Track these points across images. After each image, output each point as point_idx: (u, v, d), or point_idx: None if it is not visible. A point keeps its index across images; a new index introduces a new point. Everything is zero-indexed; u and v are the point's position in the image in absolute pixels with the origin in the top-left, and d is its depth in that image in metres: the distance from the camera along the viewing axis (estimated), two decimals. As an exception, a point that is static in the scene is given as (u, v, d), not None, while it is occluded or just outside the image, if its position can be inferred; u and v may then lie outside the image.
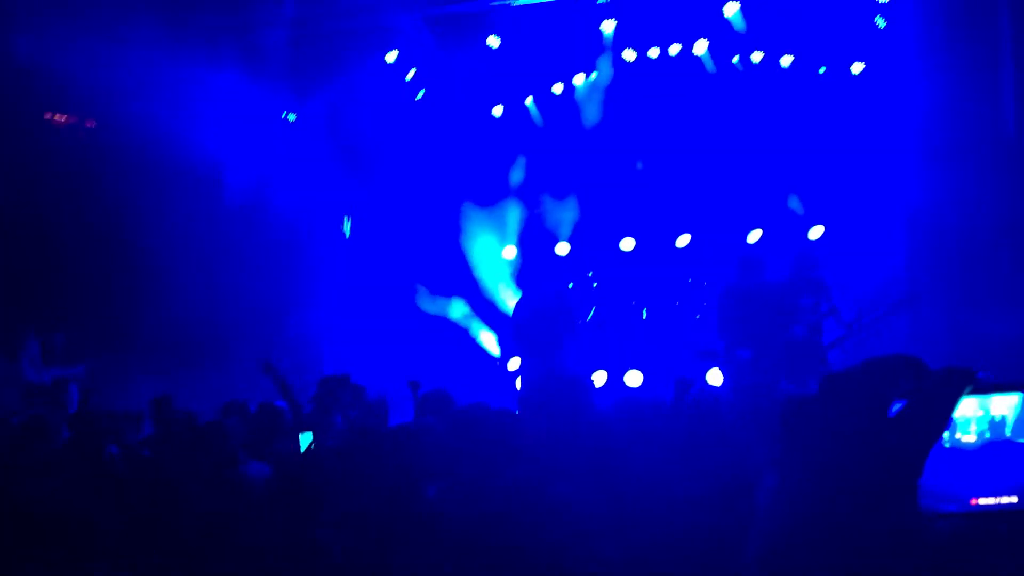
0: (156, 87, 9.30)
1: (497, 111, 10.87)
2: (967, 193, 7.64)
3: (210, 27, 10.10)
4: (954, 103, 7.95)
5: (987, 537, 3.04)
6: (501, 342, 10.15)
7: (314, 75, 10.62)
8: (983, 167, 7.72)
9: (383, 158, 10.88)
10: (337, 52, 10.48)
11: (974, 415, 3.10)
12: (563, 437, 3.42)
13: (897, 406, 2.65)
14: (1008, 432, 3.09)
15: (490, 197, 10.63)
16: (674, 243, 10.04)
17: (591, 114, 10.48)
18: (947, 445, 3.07)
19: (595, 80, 10.45)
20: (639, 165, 10.42)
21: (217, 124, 9.99)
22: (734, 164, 9.73)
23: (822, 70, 9.64)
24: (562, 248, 10.44)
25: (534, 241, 10.54)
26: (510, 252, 10.61)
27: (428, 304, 10.63)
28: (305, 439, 4.91)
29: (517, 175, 10.77)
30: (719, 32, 9.83)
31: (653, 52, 10.22)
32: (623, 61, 10.28)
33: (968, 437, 3.10)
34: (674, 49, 10.10)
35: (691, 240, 10.01)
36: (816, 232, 9.29)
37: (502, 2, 9.84)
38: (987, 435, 3.10)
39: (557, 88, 10.72)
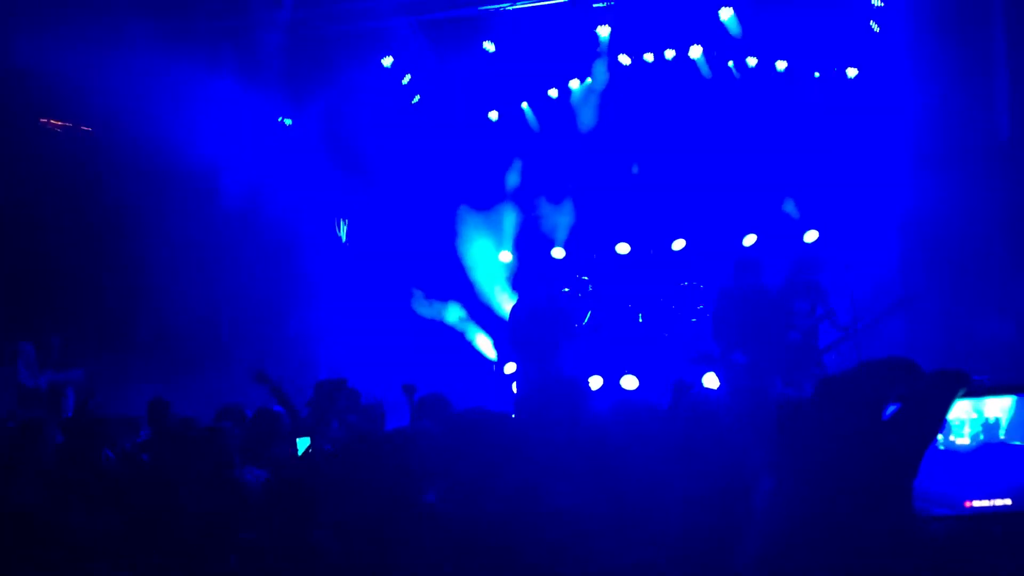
0: (153, 91, 9.31)
1: (493, 115, 10.89)
2: (961, 197, 7.67)
3: (206, 31, 10.11)
4: (947, 107, 7.99)
5: (982, 539, 3.06)
6: (497, 346, 10.16)
7: (310, 79, 10.63)
8: (976, 171, 7.76)
9: (379, 162, 10.90)
10: (333, 57, 10.50)
11: (968, 417, 3.12)
12: (560, 440, 3.43)
13: (892, 408, 2.67)
14: (1002, 434, 3.11)
15: (486, 201, 10.66)
16: (670, 247, 10.07)
17: (587, 118, 10.52)
18: (941, 447, 3.09)
19: (591, 84, 10.49)
20: (635, 169, 10.45)
21: (213, 128, 9.99)
22: (729, 168, 9.76)
23: (816, 74, 9.68)
24: (558, 252, 10.46)
25: (530, 245, 10.56)
26: (506, 256, 10.62)
27: (424, 308, 10.64)
28: (303, 443, 4.92)
29: (513, 179, 10.79)
30: (714, 37, 9.86)
31: (648, 56, 10.25)
32: (619, 65, 10.30)
33: (962, 439, 3.12)
34: (669, 53, 10.14)
35: (686, 244, 10.03)
36: (811, 236, 9.32)
37: (498, 7, 9.85)
38: (981, 437, 3.12)
39: (553, 92, 10.75)
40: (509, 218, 10.64)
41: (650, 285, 9.96)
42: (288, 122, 10.97)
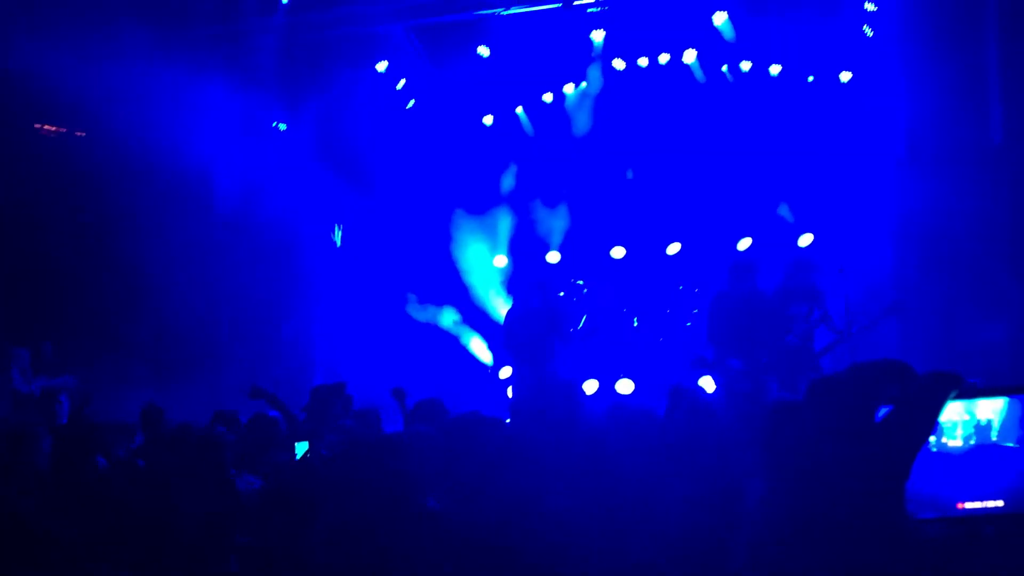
0: (147, 96, 9.30)
1: (488, 120, 10.90)
2: (954, 200, 7.71)
3: (201, 36, 10.11)
4: (941, 111, 8.03)
5: (974, 541, 3.07)
6: (492, 350, 10.16)
7: (305, 84, 10.64)
8: (969, 174, 7.80)
9: (374, 167, 10.90)
10: (328, 62, 10.50)
11: (960, 419, 3.13)
12: (555, 444, 3.44)
13: (884, 410, 2.68)
14: (994, 436, 3.12)
15: (481, 205, 10.65)
16: (665, 251, 10.07)
17: (581, 123, 10.52)
18: (933, 449, 3.10)
19: (585, 89, 10.49)
20: (629, 173, 10.46)
21: (208, 133, 9.99)
22: (724, 172, 9.77)
23: (810, 79, 9.70)
24: (553, 256, 10.46)
25: (525, 249, 10.56)
26: (501, 260, 10.62)
27: (419, 312, 10.63)
28: (301, 448, 4.92)
29: (508, 183, 10.80)
30: (708, 41, 9.88)
31: (643, 61, 10.26)
32: (613, 70, 10.31)
33: (954, 441, 3.13)
34: (663, 58, 10.15)
35: (682, 248, 10.04)
36: (805, 240, 9.34)
37: (492, 12, 9.87)
38: (973, 439, 3.13)
39: (547, 97, 10.76)
40: (504, 222, 10.64)
41: (645, 289, 9.97)
42: (283, 127, 10.97)
